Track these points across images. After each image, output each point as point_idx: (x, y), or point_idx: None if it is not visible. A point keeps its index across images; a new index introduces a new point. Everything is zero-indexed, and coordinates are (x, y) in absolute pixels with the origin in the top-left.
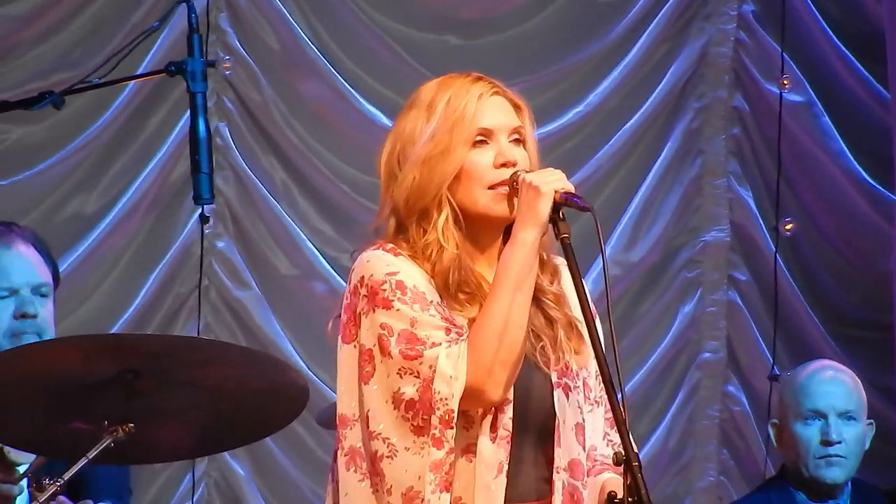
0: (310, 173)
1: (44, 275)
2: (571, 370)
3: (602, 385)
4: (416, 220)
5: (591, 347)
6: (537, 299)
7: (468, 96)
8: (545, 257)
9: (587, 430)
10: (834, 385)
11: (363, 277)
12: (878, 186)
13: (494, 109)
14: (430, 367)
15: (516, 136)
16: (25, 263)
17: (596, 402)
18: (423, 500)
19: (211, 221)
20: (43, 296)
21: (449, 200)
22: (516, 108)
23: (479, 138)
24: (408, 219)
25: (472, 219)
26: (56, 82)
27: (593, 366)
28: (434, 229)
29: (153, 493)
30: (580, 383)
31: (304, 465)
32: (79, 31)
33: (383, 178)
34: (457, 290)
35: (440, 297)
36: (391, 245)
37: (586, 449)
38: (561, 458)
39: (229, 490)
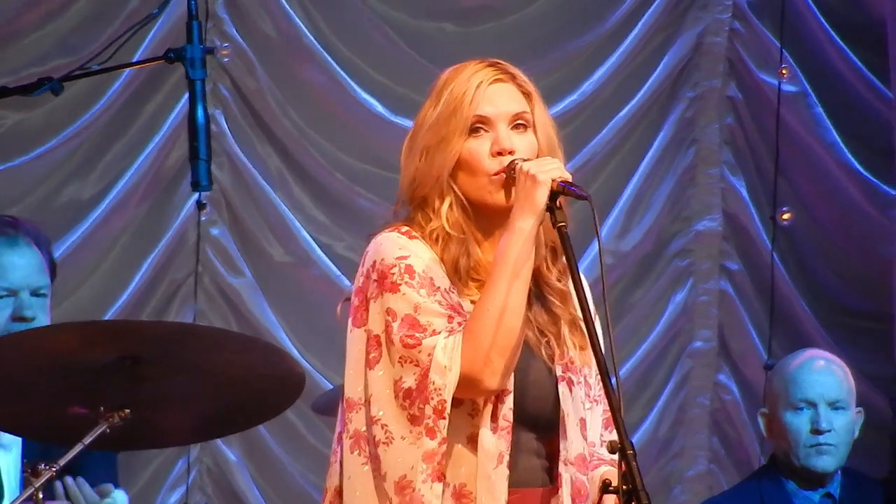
0: (305, 161)
1: (43, 277)
2: (575, 365)
3: (602, 385)
4: (419, 206)
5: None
6: (542, 296)
7: (468, 84)
8: (557, 254)
9: (588, 426)
10: (823, 374)
11: (375, 262)
12: (871, 177)
13: (495, 96)
14: (429, 355)
15: (520, 122)
16: (27, 264)
17: (595, 400)
18: (414, 489)
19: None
20: (41, 296)
21: (452, 188)
22: (525, 94)
23: (476, 126)
24: (411, 205)
25: (475, 207)
26: (53, 68)
27: (594, 364)
28: (437, 216)
29: (146, 479)
30: (582, 379)
31: (296, 451)
32: (76, 16)
33: (402, 163)
34: (467, 276)
35: (451, 281)
36: (406, 228)
37: (588, 443)
38: (568, 451)
39: (221, 476)
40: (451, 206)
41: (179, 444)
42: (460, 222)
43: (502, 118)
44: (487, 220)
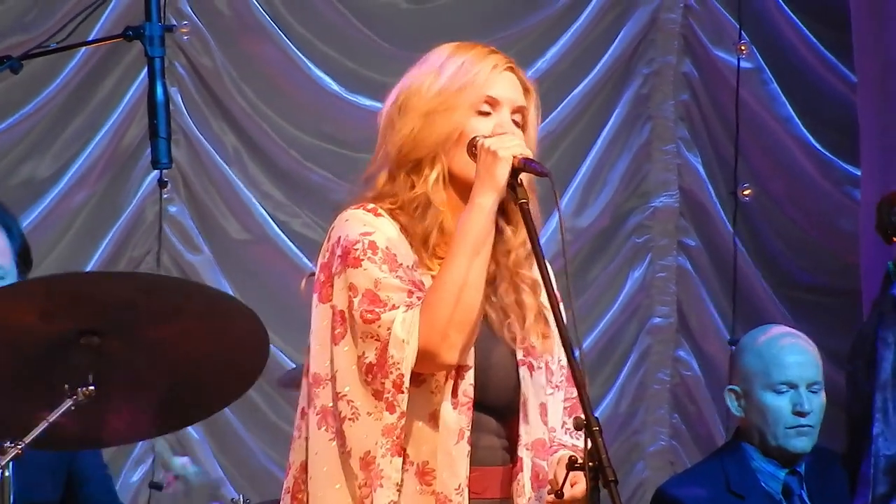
0: (260, 139)
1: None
2: (536, 350)
3: (563, 372)
4: (407, 171)
5: (554, 324)
6: (514, 281)
7: (483, 63)
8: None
9: (549, 412)
10: (802, 355)
11: (339, 238)
12: (827, 153)
13: (506, 83)
14: (388, 329)
15: (519, 117)
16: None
17: (557, 386)
18: (376, 464)
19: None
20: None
21: (443, 159)
22: (525, 90)
23: (484, 107)
24: (398, 168)
25: (459, 184)
26: (9, 46)
27: (557, 353)
28: (424, 184)
29: (109, 455)
30: (543, 365)
31: (257, 428)
32: None
33: (381, 127)
34: (433, 251)
35: (418, 255)
36: (372, 205)
37: (548, 429)
38: (528, 434)
39: (183, 453)
40: (438, 176)
41: (143, 438)
42: (443, 195)
43: (508, 105)
44: (465, 199)
